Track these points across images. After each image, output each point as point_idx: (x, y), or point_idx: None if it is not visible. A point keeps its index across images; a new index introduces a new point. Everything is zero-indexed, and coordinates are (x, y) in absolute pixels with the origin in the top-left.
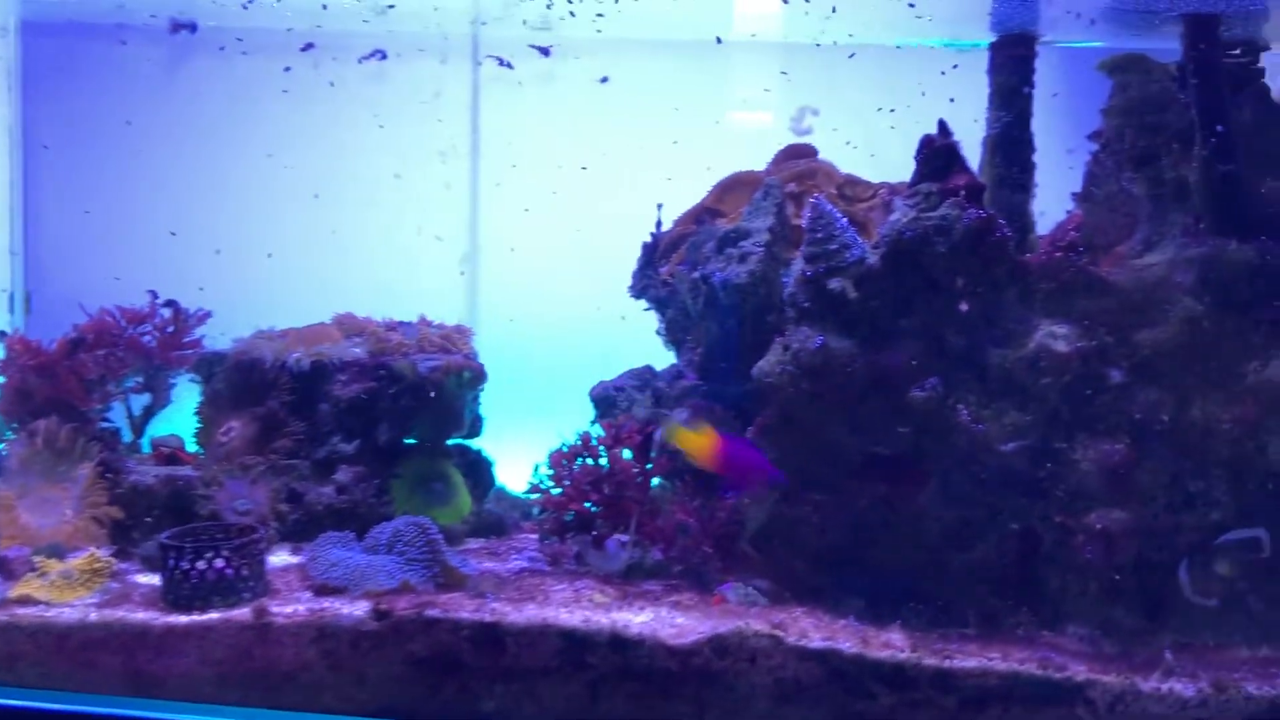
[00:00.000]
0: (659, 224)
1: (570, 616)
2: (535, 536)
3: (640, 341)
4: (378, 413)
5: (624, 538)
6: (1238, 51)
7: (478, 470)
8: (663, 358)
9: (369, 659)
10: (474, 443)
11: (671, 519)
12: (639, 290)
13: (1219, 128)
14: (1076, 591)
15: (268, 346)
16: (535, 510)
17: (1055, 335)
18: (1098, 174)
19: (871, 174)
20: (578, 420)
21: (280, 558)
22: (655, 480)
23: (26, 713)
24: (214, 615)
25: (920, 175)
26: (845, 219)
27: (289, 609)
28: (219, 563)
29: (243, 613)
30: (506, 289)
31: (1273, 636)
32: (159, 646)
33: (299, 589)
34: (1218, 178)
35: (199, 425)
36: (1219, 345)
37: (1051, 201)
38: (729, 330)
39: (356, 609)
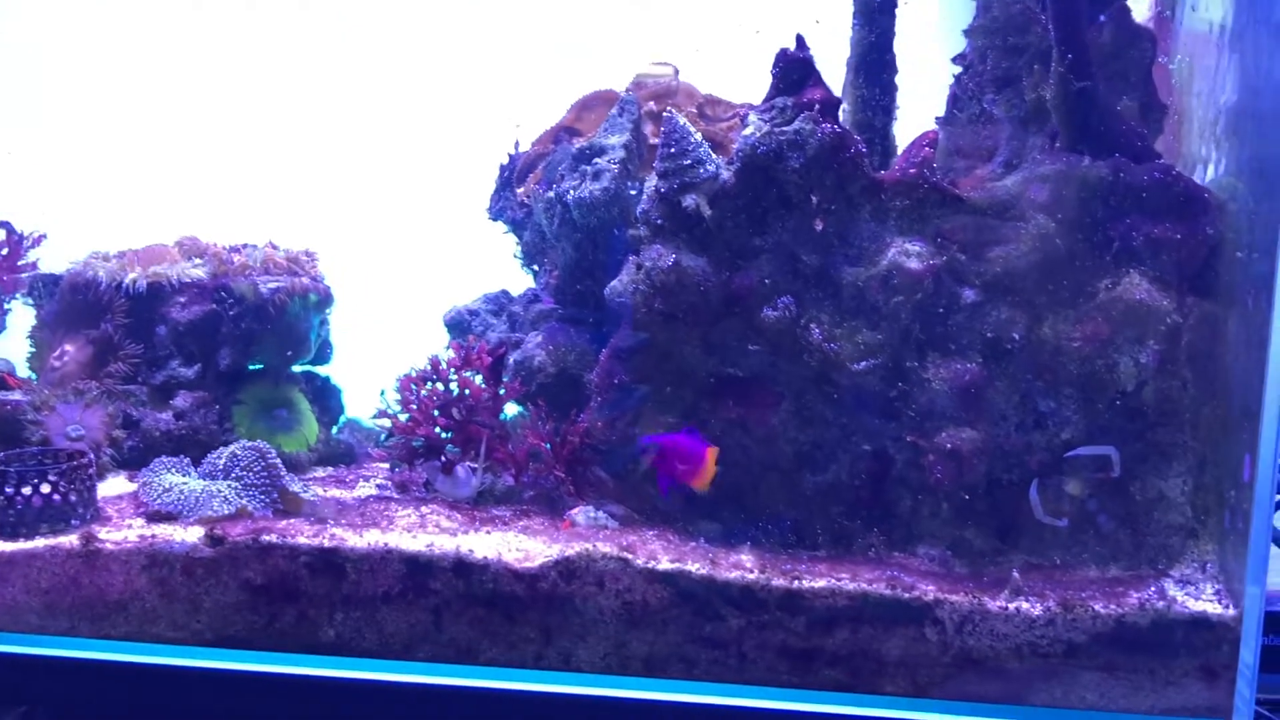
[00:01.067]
0: (516, 144)
1: (414, 541)
2: (386, 466)
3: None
4: (218, 336)
5: (474, 464)
6: None
7: (325, 397)
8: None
9: (203, 587)
10: (322, 370)
11: (523, 444)
12: (496, 212)
13: (1075, 44)
14: (928, 512)
15: (103, 267)
16: (383, 437)
17: (908, 253)
18: (960, 96)
19: (734, 95)
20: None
21: (115, 486)
22: (510, 410)
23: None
24: (40, 543)
25: (776, 90)
26: (699, 136)
27: (119, 536)
28: (45, 488)
29: (70, 539)
30: None
31: (1121, 556)
32: None
33: (132, 516)
34: (1073, 94)
35: (31, 349)
36: (1071, 263)
37: None
38: (584, 251)
39: (190, 535)
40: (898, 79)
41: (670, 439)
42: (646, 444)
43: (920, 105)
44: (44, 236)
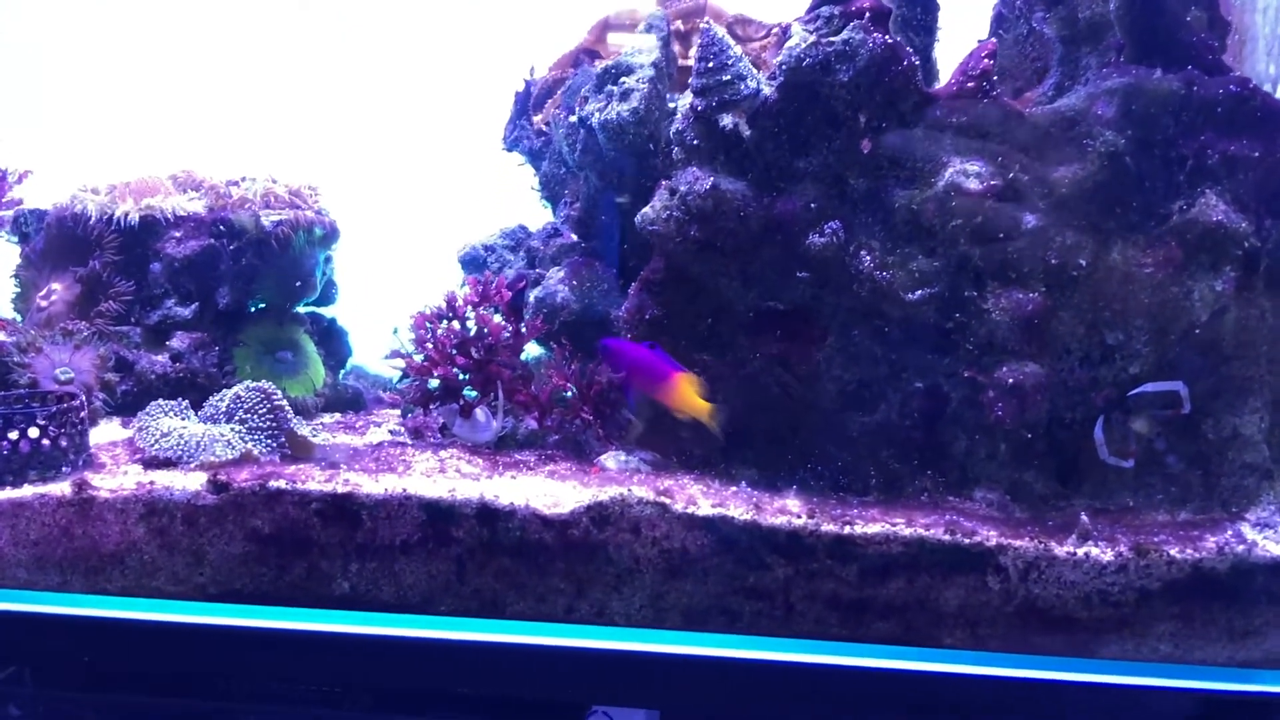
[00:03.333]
0: (532, 70)
1: (434, 487)
2: (398, 413)
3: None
4: (217, 274)
5: (494, 406)
6: None
7: (332, 340)
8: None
9: (207, 537)
10: (327, 311)
11: (547, 385)
12: (512, 142)
13: None
14: (985, 453)
15: (92, 201)
16: (396, 379)
17: (966, 173)
18: (1006, 15)
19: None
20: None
21: (108, 432)
22: (532, 352)
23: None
24: (28, 491)
25: None
26: (738, 50)
27: (114, 483)
28: (33, 432)
29: (61, 487)
30: None
31: (1192, 498)
32: None
33: (128, 462)
34: (1140, 1)
35: (16, 289)
36: (1141, 184)
37: None
38: (610, 179)
39: (191, 482)
40: None
41: (624, 344)
42: (600, 345)
43: (961, 26)
44: (29, 172)
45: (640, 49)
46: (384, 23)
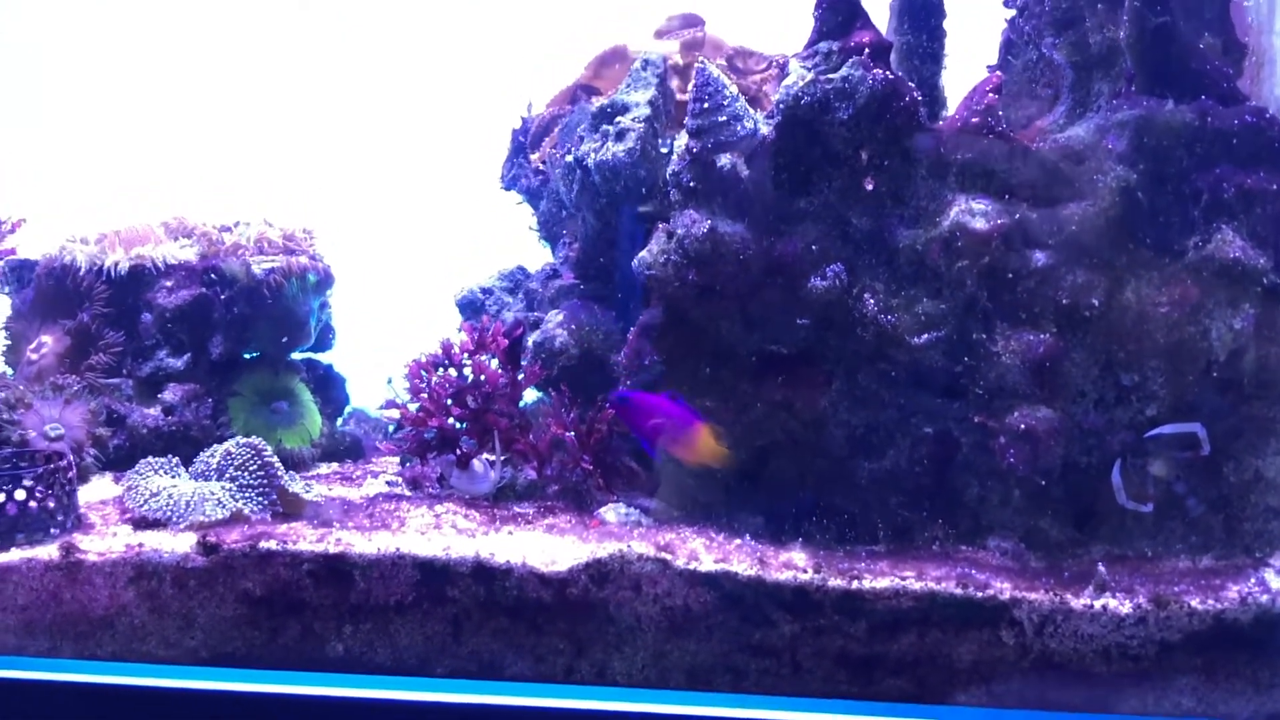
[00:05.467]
0: (529, 107)
1: (429, 545)
2: (397, 460)
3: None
4: (210, 323)
5: (491, 456)
6: None
7: (328, 387)
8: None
9: (197, 600)
10: (324, 357)
11: (545, 433)
12: (510, 181)
13: None
14: (998, 500)
15: (81, 251)
16: (391, 429)
17: (972, 212)
18: (1015, 41)
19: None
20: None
21: (99, 489)
22: (530, 397)
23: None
24: (16, 555)
25: (819, 33)
26: (734, 89)
27: (103, 545)
28: (19, 494)
29: (49, 550)
30: None
31: (1213, 544)
32: None
33: (117, 523)
34: (1151, 30)
35: (7, 342)
36: (1155, 219)
37: None
38: (608, 219)
39: (181, 543)
40: (946, 24)
41: (644, 396)
42: (615, 398)
43: (969, 53)
44: (22, 221)
45: (636, 84)
46: (380, 61)
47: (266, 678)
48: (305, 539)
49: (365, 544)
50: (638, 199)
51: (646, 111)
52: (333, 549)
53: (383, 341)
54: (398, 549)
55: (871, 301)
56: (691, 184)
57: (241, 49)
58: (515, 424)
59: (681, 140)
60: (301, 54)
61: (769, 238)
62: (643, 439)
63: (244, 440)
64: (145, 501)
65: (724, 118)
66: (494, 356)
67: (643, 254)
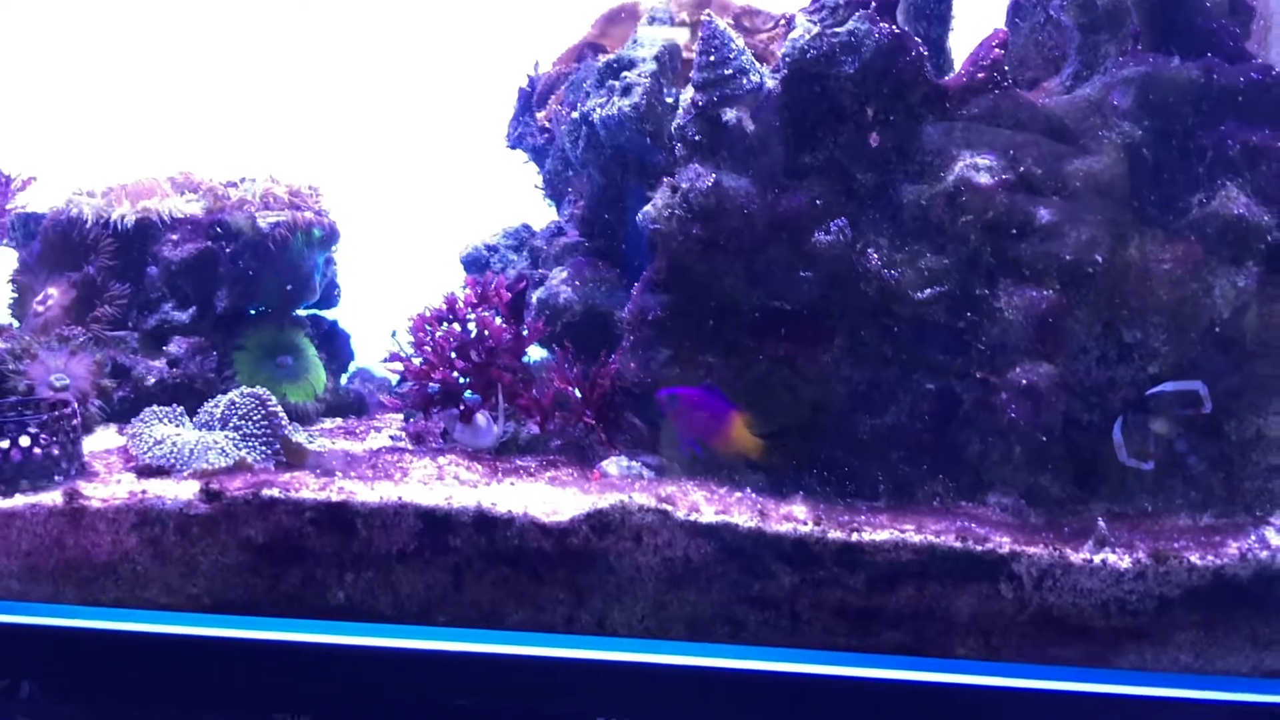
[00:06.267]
0: (536, 65)
1: (431, 494)
2: (400, 417)
3: None
4: (215, 276)
5: (495, 411)
6: None
7: (333, 343)
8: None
9: (199, 547)
10: (329, 313)
11: (549, 389)
12: (515, 139)
13: None
14: (999, 457)
15: (88, 204)
16: (395, 382)
17: (977, 167)
18: (1022, 3)
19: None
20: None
21: (103, 439)
22: (534, 354)
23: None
24: (20, 500)
25: None
26: (740, 43)
27: (106, 492)
28: (24, 440)
29: (53, 497)
30: None
31: (1214, 502)
32: None
33: (121, 471)
34: None
35: (13, 294)
36: (1159, 176)
37: None
38: (612, 176)
39: (184, 491)
40: None
41: (691, 392)
42: (664, 397)
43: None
44: (33, 179)
45: (643, 42)
46: (385, 19)
47: (268, 625)
48: (308, 487)
49: (368, 493)
50: (643, 154)
51: (653, 67)
52: (335, 497)
53: (388, 300)
54: (400, 498)
55: (875, 257)
56: (697, 138)
57: (246, 4)
58: (519, 379)
59: (687, 94)
60: (308, 13)
61: (774, 192)
62: (688, 440)
63: (248, 390)
64: (149, 449)
65: (730, 71)
66: (497, 311)
67: (647, 208)
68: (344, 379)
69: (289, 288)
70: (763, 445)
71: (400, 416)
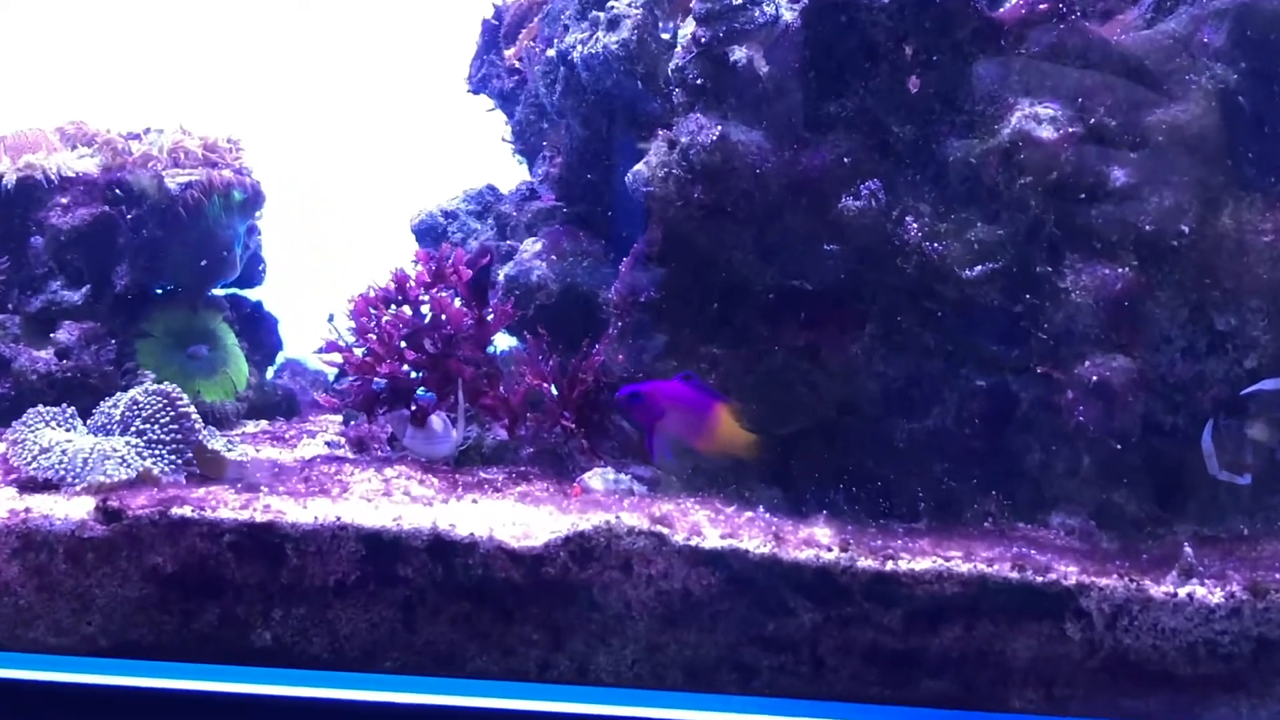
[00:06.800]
0: None
1: (375, 514)
2: (339, 419)
3: None
4: (114, 248)
5: (453, 412)
6: None
7: (257, 329)
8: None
9: (95, 577)
10: (252, 293)
11: (519, 385)
12: (479, 82)
13: None
14: (1063, 469)
15: None
16: (333, 376)
17: (1039, 118)
18: None
19: None
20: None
21: None
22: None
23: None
24: None
25: None
26: None
27: None
28: None
29: None
30: None
31: None
32: None
33: (0, 484)
34: None
35: None
36: (1258, 128)
37: None
38: (596, 128)
39: (76, 509)
40: None
41: (653, 387)
42: (624, 397)
43: None
44: None
45: None
46: None
47: (178, 672)
48: (227, 505)
49: (299, 512)
50: (634, 101)
51: None
52: (260, 517)
53: (324, 278)
54: (338, 518)
55: (914, 226)
56: (699, 81)
57: None
58: (483, 373)
59: (687, 29)
60: None
61: (792, 148)
62: (659, 446)
63: (154, 388)
64: (34, 458)
65: (738, 1)
66: (456, 293)
67: (638, 167)
68: (270, 373)
69: (203, 262)
70: (757, 440)
71: (338, 419)
